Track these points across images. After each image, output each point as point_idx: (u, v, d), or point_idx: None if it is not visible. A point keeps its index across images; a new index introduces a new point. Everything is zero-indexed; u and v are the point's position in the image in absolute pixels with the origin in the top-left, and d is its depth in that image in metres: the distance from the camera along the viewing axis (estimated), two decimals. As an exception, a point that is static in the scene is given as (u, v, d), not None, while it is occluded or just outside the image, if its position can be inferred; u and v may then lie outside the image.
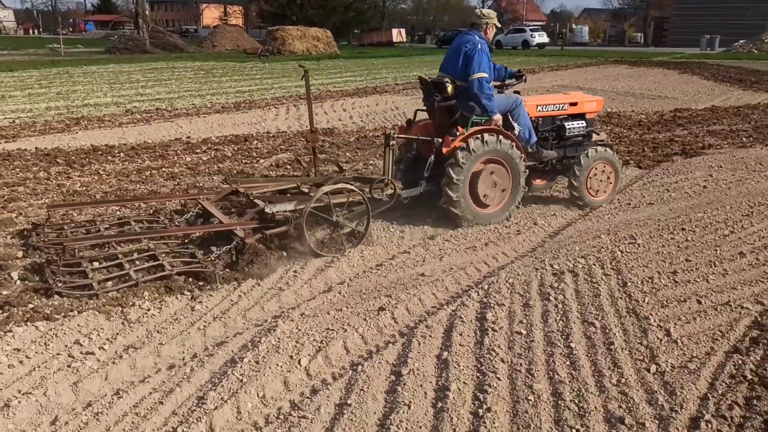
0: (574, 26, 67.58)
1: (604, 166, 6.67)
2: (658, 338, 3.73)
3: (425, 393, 3.18)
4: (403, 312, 4.13)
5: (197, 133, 11.19)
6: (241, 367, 3.40)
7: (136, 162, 8.80)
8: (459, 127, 5.89)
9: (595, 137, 7.01)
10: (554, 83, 20.73)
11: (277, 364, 3.45)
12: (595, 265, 4.90)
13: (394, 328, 3.93)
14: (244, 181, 6.19)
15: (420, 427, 2.92)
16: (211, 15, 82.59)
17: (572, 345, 3.65)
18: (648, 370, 3.38)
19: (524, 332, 3.81)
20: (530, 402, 3.09)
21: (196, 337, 3.83)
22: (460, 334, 3.77)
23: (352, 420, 2.97)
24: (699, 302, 4.22)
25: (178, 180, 7.75)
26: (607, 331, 3.82)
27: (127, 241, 5.10)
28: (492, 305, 4.16)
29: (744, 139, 10.47)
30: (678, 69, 26.05)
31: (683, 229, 5.76)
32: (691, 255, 5.12)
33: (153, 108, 14.30)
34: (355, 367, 3.44)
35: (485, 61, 5.83)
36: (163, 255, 4.88)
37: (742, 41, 43.40)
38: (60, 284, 4.38)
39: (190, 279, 4.66)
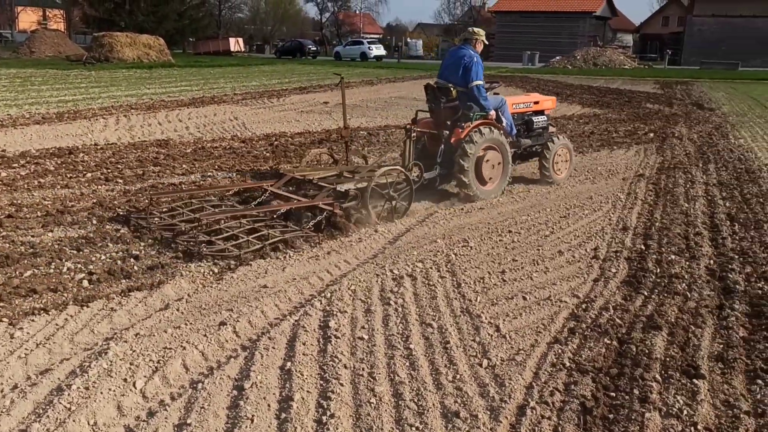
0: (409, 40, 70.25)
1: (564, 151, 8.38)
2: (489, 334, 3.97)
3: (269, 405, 3.15)
4: (245, 325, 4.06)
5: (14, 145, 10.27)
6: (69, 394, 3.17)
7: (-59, 178, 7.92)
8: (464, 123, 7.23)
9: (551, 129, 8.68)
10: (392, 95, 21.40)
11: (110, 389, 3.25)
12: (432, 268, 5.12)
13: (236, 343, 3.86)
14: (297, 171, 7.37)
15: (264, 440, 2.89)
16: (28, 18, 75.86)
17: (411, 346, 3.78)
18: (480, 365, 3.59)
19: (366, 337, 3.90)
20: (372, 405, 3.17)
21: (17, 367, 3.52)
22: (304, 344, 3.79)
23: (192, 440, 2.88)
24: (524, 298, 4.55)
25: (-8, 197, 7.07)
26: (444, 330, 4.01)
27: (240, 216, 6.07)
28: (335, 313, 4.21)
29: (561, 147, 11.40)
30: (504, 82, 27.86)
31: (510, 231, 6.19)
32: (518, 255, 5.51)
33: (-39, 118, 12.95)
34: (195, 385, 3.34)
35: (480, 71, 7.20)
36: (261, 228, 5.82)
37: (558, 57, 47.46)
38: (206, 250, 5.31)
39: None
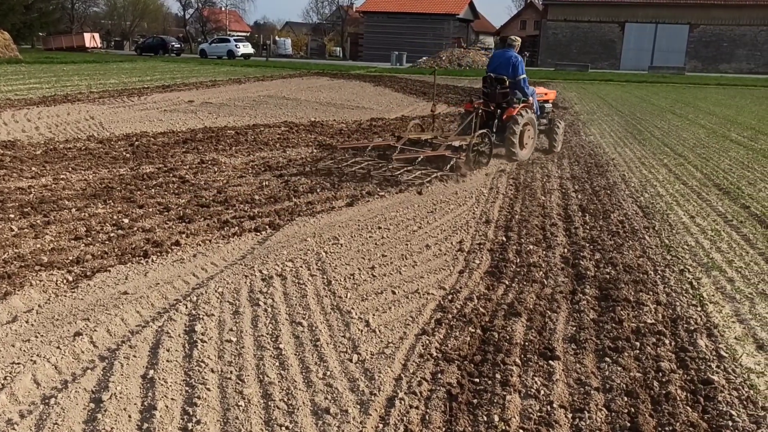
0: (277, 38, 69.45)
1: (562, 130, 11.26)
2: (359, 329, 4.00)
3: (129, 416, 3.00)
4: (103, 335, 3.84)
5: None
6: None
7: None
8: (514, 105, 9.99)
9: (551, 114, 11.72)
10: (260, 93, 21.06)
11: (-52, 412, 2.97)
12: (302, 267, 5.09)
13: (93, 353, 3.63)
14: (411, 134, 9.99)
15: (125, 454, 2.75)
16: None
17: (281, 346, 3.74)
18: (350, 360, 3.62)
19: (234, 340, 3.81)
20: (241, 407, 3.10)
21: None
22: (168, 350, 3.64)
23: (44, 460, 2.68)
24: (393, 293, 4.63)
25: None
26: (314, 328, 4.00)
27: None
28: (201, 316, 4.08)
29: (428, 144, 11.72)
30: (372, 82, 28.30)
31: (380, 228, 6.27)
32: (387, 250, 5.60)
33: None
34: (47, 401, 3.11)
35: (523, 68, 10.00)
36: (413, 171, 8.43)
37: (424, 57, 48.75)
38: (401, 178, 8.14)
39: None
